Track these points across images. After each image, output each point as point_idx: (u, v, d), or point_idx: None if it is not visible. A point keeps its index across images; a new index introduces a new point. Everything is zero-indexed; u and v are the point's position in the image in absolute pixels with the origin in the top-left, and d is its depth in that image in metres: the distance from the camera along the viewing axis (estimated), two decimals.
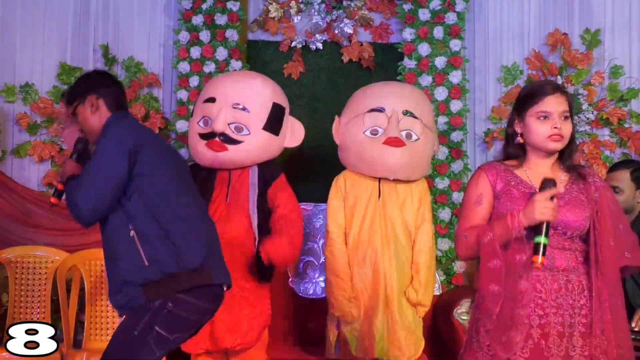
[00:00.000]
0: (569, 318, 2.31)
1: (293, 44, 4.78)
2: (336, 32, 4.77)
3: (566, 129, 2.36)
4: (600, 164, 4.44)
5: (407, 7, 4.62)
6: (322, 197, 3.79)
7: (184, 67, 4.59)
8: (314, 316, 4.07)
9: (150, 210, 2.54)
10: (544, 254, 2.18)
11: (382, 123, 3.58)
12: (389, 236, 3.50)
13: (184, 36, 4.60)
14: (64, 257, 4.14)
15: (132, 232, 2.53)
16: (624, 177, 3.47)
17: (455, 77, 4.55)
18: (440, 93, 4.54)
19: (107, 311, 4.07)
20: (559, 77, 4.54)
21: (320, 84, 4.84)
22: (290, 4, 4.77)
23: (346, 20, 4.75)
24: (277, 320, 3.70)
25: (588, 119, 4.53)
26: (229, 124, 3.47)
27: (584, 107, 4.53)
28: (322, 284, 4.00)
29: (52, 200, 2.84)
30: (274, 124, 3.54)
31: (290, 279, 4.19)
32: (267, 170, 3.53)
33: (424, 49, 4.57)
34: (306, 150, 4.49)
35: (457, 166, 4.50)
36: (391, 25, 4.81)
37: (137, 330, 2.47)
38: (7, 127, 4.61)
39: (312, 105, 4.77)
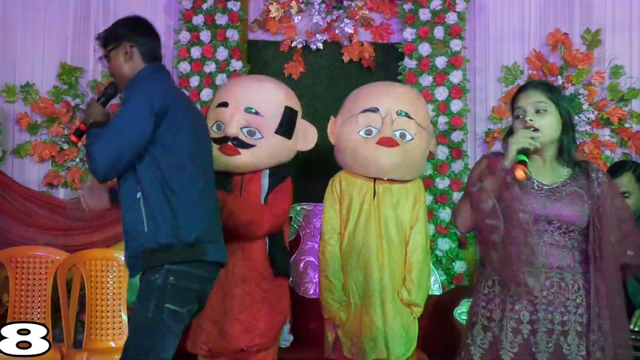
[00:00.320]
0: (560, 316, 2.31)
1: (293, 44, 4.77)
2: (337, 32, 4.75)
3: (542, 122, 2.37)
4: (601, 164, 4.43)
5: (407, 7, 4.62)
6: (322, 197, 3.78)
7: (185, 67, 4.59)
8: (314, 316, 4.07)
9: (157, 179, 2.56)
10: (525, 166, 2.24)
11: (376, 123, 3.56)
12: (383, 236, 3.49)
13: (185, 36, 4.61)
14: (64, 257, 4.14)
15: (138, 194, 2.56)
16: (628, 180, 3.39)
17: (455, 77, 4.55)
18: (441, 93, 4.54)
19: (108, 311, 4.07)
20: (559, 77, 4.54)
21: (321, 84, 4.83)
22: (291, 4, 4.76)
23: (347, 20, 4.74)
24: None
25: (588, 119, 4.53)
26: (241, 128, 3.48)
27: (585, 107, 4.53)
28: None
29: (72, 138, 2.82)
30: (286, 127, 3.55)
31: (290, 279, 4.18)
32: (278, 173, 3.54)
33: (424, 48, 4.57)
34: (306, 150, 4.47)
35: (457, 166, 4.50)
36: (392, 25, 4.79)
37: (150, 312, 2.51)
38: (8, 127, 4.62)
39: (312, 105, 4.74)
